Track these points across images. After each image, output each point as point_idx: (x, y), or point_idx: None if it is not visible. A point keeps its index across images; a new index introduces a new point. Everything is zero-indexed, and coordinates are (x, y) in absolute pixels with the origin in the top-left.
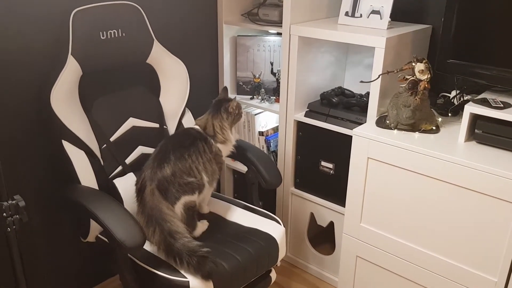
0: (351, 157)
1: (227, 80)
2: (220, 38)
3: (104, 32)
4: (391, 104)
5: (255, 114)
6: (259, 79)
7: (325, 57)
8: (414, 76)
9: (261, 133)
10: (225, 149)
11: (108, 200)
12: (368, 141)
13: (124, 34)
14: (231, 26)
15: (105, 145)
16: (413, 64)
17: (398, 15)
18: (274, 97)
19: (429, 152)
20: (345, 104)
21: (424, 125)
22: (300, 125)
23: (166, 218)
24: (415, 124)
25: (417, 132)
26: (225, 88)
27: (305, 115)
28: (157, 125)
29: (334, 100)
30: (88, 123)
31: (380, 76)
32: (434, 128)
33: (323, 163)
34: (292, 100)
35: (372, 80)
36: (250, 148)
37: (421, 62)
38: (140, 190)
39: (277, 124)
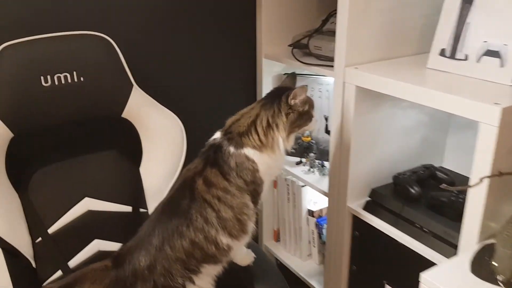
0: None
1: None
2: (259, 77)
3: (48, 77)
4: (504, 235)
5: (303, 186)
6: (309, 138)
7: (407, 116)
8: None
9: (310, 213)
10: (266, 160)
11: None
12: None
13: (82, 79)
14: (274, 62)
15: (40, 238)
16: None
17: None
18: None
19: None
20: (430, 201)
21: None
22: (356, 221)
23: None
24: None
25: None
26: (293, 75)
27: (365, 207)
28: (129, 209)
29: (413, 191)
30: (19, 207)
31: (483, 180)
32: None
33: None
34: (346, 179)
35: (468, 185)
36: (265, 272)
37: None
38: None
39: None
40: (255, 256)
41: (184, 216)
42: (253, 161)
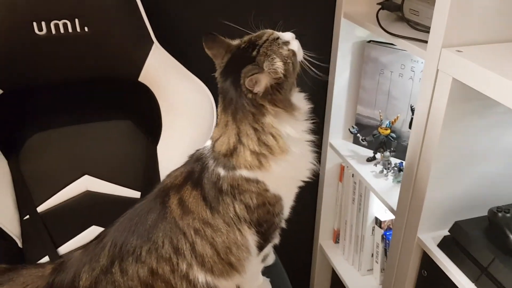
0: None
1: (338, 115)
2: (335, 43)
3: (43, 24)
4: None
5: None
6: (389, 130)
7: None
8: None
9: (378, 222)
10: (278, 170)
11: None
12: None
13: (86, 29)
14: (356, 25)
15: (28, 216)
16: None
17: None
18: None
19: None
20: None
21: None
22: (426, 258)
23: None
24: None
25: None
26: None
27: (441, 244)
28: (137, 194)
29: None
30: (6, 176)
31: None
32: None
33: None
34: (421, 201)
35: None
36: None
37: None
38: None
39: None
40: None
41: (146, 236)
42: (257, 181)
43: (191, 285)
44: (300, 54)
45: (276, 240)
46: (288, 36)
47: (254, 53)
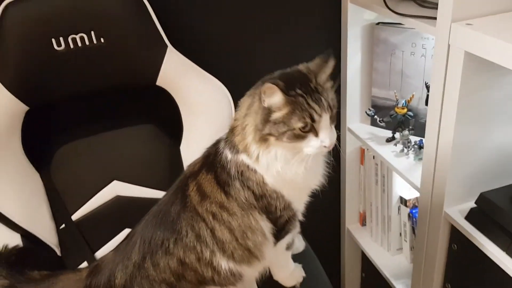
0: None
1: (353, 99)
2: (344, 29)
3: (61, 40)
4: None
5: None
6: (405, 109)
7: None
8: None
9: (403, 201)
10: (272, 168)
11: None
12: None
13: (102, 40)
14: (363, 9)
15: (64, 225)
16: None
17: None
18: None
19: None
20: None
21: None
22: (455, 232)
23: None
24: None
25: None
26: (327, 56)
27: (468, 217)
28: None
29: None
30: (40, 188)
31: None
32: None
33: None
34: (444, 175)
35: None
36: None
37: None
38: None
39: None
40: (304, 276)
41: (171, 228)
42: (255, 171)
43: (216, 271)
44: (308, 150)
45: (295, 230)
46: (324, 136)
47: (311, 89)
